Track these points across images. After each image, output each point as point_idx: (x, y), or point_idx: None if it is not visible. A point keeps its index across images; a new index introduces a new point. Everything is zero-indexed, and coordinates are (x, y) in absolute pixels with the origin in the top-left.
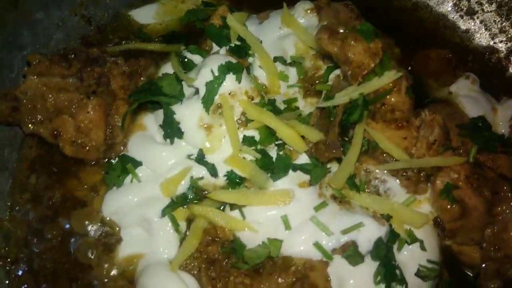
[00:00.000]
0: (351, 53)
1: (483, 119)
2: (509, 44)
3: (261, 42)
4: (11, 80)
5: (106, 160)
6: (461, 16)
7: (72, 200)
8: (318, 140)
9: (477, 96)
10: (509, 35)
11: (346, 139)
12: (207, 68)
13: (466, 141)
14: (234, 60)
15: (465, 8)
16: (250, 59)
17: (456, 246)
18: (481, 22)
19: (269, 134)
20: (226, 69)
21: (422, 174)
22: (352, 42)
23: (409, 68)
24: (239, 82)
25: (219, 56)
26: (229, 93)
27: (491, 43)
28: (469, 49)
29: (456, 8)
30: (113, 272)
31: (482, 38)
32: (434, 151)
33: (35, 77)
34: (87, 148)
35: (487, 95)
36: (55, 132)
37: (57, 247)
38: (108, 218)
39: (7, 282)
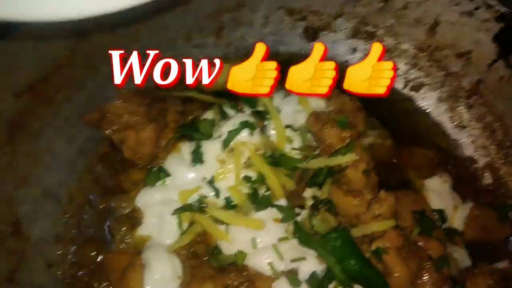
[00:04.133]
0: (325, 134)
1: (441, 212)
2: (487, 159)
3: (280, 111)
4: (105, 100)
5: (149, 166)
6: (453, 127)
7: (119, 188)
8: (291, 190)
9: (444, 193)
10: (488, 152)
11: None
12: (233, 121)
13: (413, 224)
14: (252, 120)
15: (457, 122)
16: (266, 122)
17: None
18: (468, 135)
19: (262, 178)
20: (244, 125)
21: (365, 237)
22: (329, 127)
23: (396, 159)
24: (251, 135)
25: (244, 115)
26: (242, 142)
27: (473, 154)
28: (453, 155)
29: (451, 120)
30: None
31: (466, 148)
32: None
33: (119, 101)
34: (139, 155)
35: (454, 194)
36: (122, 140)
37: (100, 216)
38: (138, 206)
39: (61, 229)
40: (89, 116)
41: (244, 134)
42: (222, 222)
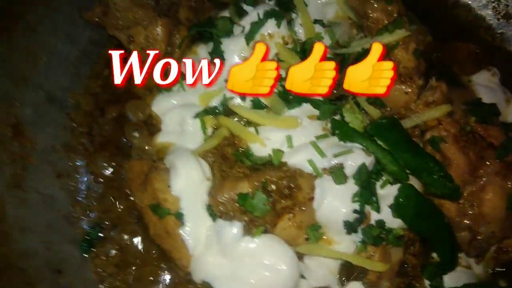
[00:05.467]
0: (369, 9)
1: (493, 106)
2: None
3: (307, 5)
4: None
5: None
6: (498, 19)
7: (132, 93)
8: None
9: (493, 87)
10: None
11: None
12: (255, 12)
13: (468, 115)
14: (278, 9)
15: (503, 12)
16: (294, 16)
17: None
18: None
19: None
20: (269, 14)
21: (416, 129)
22: (372, 0)
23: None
24: (278, 27)
25: (267, 5)
26: (268, 34)
27: None
28: (498, 50)
29: (495, 11)
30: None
31: None
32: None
33: None
34: None
35: (504, 88)
36: (130, 38)
37: (113, 123)
38: (155, 112)
39: (70, 138)
40: (91, 12)
41: (270, 25)
42: (251, 124)
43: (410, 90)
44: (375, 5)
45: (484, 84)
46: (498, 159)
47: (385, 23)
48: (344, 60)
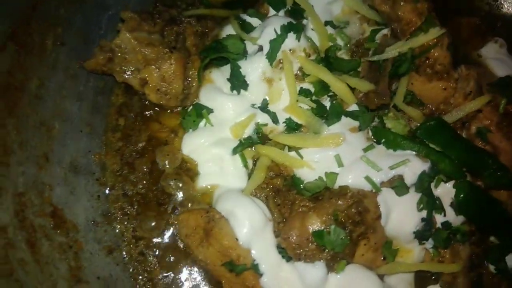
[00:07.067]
0: (401, 11)
1: (511, 78)
2: None
3: (312, 7)
4: (101, 36)
5: (182, 107)
6: None
7: (156, 139)
8: (368, 90)
9: (504, 58)
10: None
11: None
12: (270, 27)
13: (496, 96)
14: (294, 21)
15: None
16: (304, 22)
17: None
18: None
19: (323, 87)
20: (288, 28)
21: (457, 122)
22: (402, 2)
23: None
24: (299, 40)
25: (280, 18)
26: (290, 50)
27: None
28: (498, 17)
29: None
30: (194, 198)
31: (510, 6)
32: (469, 101)
33: (128, 32)
34: (169, 96)
35: None
36: (143, 81)
37: (147, 177)
38: (187, 156)
39: (107, 205)
40: (94, 61)
41: (290, 39)
42: (291, 148)
43: (448, 85)
44: (404, 7)
45: (494, 57)
46: None
47: (417, 23)
48: (379, 66)
